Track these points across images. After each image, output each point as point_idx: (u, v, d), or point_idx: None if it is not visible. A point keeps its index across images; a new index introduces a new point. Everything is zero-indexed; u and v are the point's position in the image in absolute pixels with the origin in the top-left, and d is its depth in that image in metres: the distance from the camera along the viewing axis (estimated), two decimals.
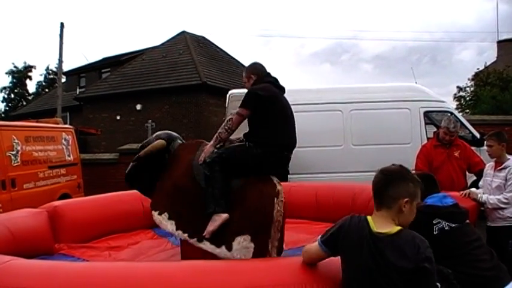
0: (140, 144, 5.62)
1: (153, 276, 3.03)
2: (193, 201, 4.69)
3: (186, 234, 4.67)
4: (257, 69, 5.13)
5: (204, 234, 4.46)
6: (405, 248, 2.65)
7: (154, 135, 5.47)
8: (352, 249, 2.78)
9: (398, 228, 2.75)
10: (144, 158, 5.10)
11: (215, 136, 4.78)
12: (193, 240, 4.59)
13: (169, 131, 5.56)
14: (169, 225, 4.80)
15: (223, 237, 4.43)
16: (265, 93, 4.71)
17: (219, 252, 4.43)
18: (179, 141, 5.38)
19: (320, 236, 3.02)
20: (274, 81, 5.09)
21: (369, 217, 2.86)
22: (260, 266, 3.42)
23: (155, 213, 4.93)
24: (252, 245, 4.36)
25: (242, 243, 4.38)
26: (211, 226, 4.42)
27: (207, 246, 4.49)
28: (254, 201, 4.46)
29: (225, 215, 4.43)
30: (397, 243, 2.69)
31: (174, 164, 5.04)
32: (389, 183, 2.84)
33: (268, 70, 5.16)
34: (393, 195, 2.80)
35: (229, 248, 4.41)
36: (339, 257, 2.96)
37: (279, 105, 4.86)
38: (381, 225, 2.78)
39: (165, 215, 4.84)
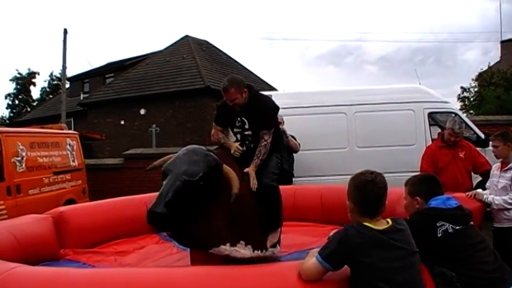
0: (164, 166, 4.28)
1: (160, 282, 3.04)
2: (250, 217, 4.66)
3: (258, 251, 4.74)
4: (244, 82, 5.11)
5: (268, 245, 4.82)
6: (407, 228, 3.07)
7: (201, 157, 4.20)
8: (370, 254, 2.83)
9: (389, 219, 3.05)
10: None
11: (258, 160, 4.87)
12: (257, 252, 4.71)
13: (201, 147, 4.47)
14: (248, 252, 4.52)
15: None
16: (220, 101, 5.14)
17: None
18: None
19: (318, 254, 2.98)
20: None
21: (365, 223, 2.97)
22: (264, 271, 3.39)
23: (226, 247, 4.32)
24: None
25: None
26: (275, 238, 4.93)
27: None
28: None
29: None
30: (400, 228, 3.02)
31: (225, 184, 4.24)
32: (385, 193, 3.11)
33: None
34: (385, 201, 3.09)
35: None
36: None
37: None
38: (379, 224, 2.99)
39: (242, 244, 4.47)
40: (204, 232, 4.13)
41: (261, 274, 3.24)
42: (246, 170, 4.74)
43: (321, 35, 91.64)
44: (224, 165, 4.24)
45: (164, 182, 3.96)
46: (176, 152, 4.36)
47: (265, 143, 4.86)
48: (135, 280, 3.10)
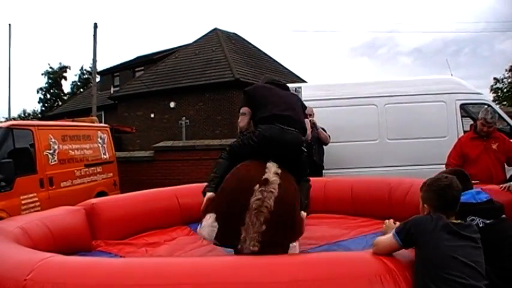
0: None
1: (192, 271, 3.05)
2: None
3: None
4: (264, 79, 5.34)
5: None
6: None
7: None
8: (442, 235, 3.06)
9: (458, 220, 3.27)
10: None
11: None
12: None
13: None
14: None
15: (205, 214, 4.52)
16: (250, 88, 4.99)
17: (198, 230, 4.55)
18: None
19: (395, 229, 3.27)
20: (272, 82, 5.21)
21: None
22: (294, 261, 3.39)
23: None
24: (216, 224, 4.31)
25: (208, 220, 4.38)
26: (202, 205, 4.60)
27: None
28: (228, 183, 4.42)
29: (209, 194, 4.55)
30: (469, 224, 3.30)
31: None
32: (460, 195, 3.35)
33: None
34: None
35: (201, 225, 4.49)
36: None
37: (261, 91, 4.95)
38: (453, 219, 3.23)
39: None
40: None
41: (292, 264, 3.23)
42: None
43: (354, 26, 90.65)
44: None
45: None
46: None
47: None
48: (167, 270, 3.12)
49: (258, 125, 4.65)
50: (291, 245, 4.34)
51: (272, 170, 4.35)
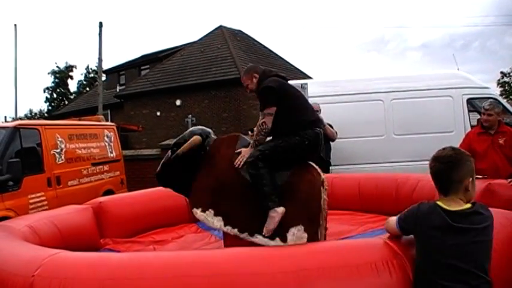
0: (173, 141, 5.51)
1: (199, 263, 3.05)
2: (240, 195, 4.69)
3: (236, 229, 4.67)
4: (258, 68, 5.18)
5: (263, 233, 4.47)
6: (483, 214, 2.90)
7: (188, 131, 5.43)
8: (433, 232, 2.86)
9: (469, 205, 2.91)
10: (182, 156, 5.04)
11: (253, 141, 4.81)
12: (244, 235, 4.61)
13: (202, 127, 5.56)
14: (216, 222, 4.77)
15: (277, 230, 4.43)
16: (277, 84, 4.79)
17: (274, 245, 4.42)
18: (213, 136, 5.36)
19: (399, 215, 3.25)
20: (280, 76, 5.12)
21: (438, 202, 2.96)
22: (300, 250, 3.40)
23: (198, 211, 4.89)
24: (305, 234, 4.38)
25: (296, 233, 4.40)
26: (271, 224, 4.41)
27: (260, 239, 4.51)
28: (305, 192, 4.50)
29: (281, 209, 4.41)
30: (475, 213, 2.88)
31: (213, 160, 5.00)
32: (451, 170, 2.96)
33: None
34: (458, 179, 2.92)
35: (284, 240, 4.42)
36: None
37: (291, 89, 4.94)
38: (453, 205, 2.90)
39: (210, 212, 4.81)
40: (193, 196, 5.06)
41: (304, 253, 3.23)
42: (239, 150, 4.88)
43: (362, 22, 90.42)
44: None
45: None
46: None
47: (258, 123, 4.78)
48: (173, 262, 3.13)
49: (300, 127, 4.67)
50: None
51: (318, 169, 4.73)
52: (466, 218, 2.84)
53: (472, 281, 2.74)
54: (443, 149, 3.11)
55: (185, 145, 5.06)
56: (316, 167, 4.73)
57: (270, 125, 4.70)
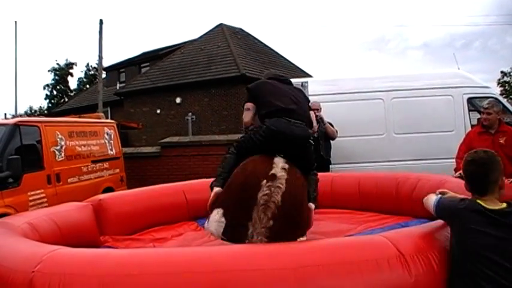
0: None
1: (199, 260, 3.06)
2: None
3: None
4: (265, 74, 5.41)
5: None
6: None
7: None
8: (475, 229, 3.00)
9: (505, 204, 3.08)
10: None
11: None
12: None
13: None
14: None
15: (212, 209, 4.63)
16: (253, 84, 5.00)
17: (205, 225, 4.74)
18: None
19: (440, 197, 3.46)
20: (276, 77, 5.19)
21: (478, 200, 3.11)
22: (301, 247, 3.39)
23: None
24: (223, 220, 4.37)
25: (215, 216, 4.47)
26: (209, 200, 4.69)
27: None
28: (236, 179, 4.46)
29: (216, 189, 4.63)
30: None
31: None
32: (487, 172, 3.13)
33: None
34: (494, 179, 3.12)
35: (208, 220, 4.61)
36: None
37: (267, 87, 4.92)
38: (491, 204, 3.07)
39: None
40: None
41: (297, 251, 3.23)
42: None
43: (363, 20, 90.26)
44: None
45: None
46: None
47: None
48: (173, 259, 3.13)
49: (264, 120, 4.64)
50: (299, 239, 4.36)
51: (279, 165, 4.36)
52: (505, 217, 3.00)
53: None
54: (475, 152, 3.29)
55: None
56: (281, 163, 4.43)
57: (246, 119, 4.90)
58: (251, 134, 4.74)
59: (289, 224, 4.23)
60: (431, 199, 3.52)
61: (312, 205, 4.71)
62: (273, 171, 4.28)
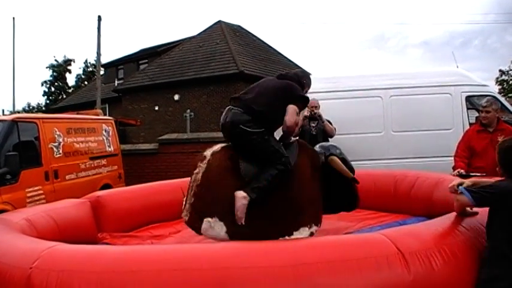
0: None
1: (197, 257, 3.05)
2: None
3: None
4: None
5: None
6: None
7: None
8: None
9: None
10: None
11: None
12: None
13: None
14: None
15: None
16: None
17: None
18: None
19: (467, 189, 3.40)
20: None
21: None
22: (299, 244, 3.39)
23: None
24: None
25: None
26: None
27: None
28: None
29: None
30: None
31: None
32: None
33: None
34: None
35: None
36: None
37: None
38: None
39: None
40: None
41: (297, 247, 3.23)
42: None
43: (363, 18, 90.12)
44: None
45: None
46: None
47: None
48: (171, 256, 3.13)
49: None
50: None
51: (213, 148, 4.71)
52: None
53: None
54: (510, 138, 3.51)
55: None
56: (218, 146, 4.76)
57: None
58: None
59: (205, 203, 4.50)
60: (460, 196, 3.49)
61: (239, 193, 4.39)
62: (205, 153, 4.66)
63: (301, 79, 5.02)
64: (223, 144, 4.74)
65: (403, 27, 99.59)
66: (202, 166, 4.53)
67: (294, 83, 4.88)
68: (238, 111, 4.57)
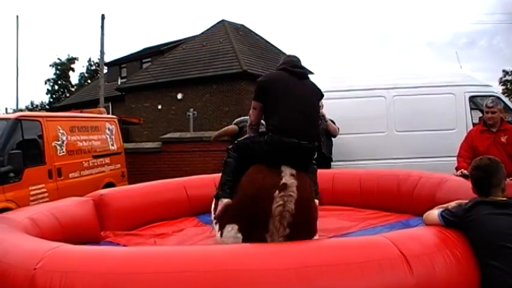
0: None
1: (201, 259, 3.05)
2: None
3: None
4: (279, 62, 4.88)
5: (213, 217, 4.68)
6: None
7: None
8: (486, 214, 3.38)
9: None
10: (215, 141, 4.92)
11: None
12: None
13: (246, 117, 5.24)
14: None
15: (222, 222, 4.51)
16: (262, 79, 4.64)
17: (216, 236, 4.64)
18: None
19: (441, 211, 3.67)
20: (291, 67, 4.65)
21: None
22: (303, 247, 3.38)
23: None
24: (240, 235, 4.28)
25: (230, 232, 4.37)
26: (217, 211, 4.57)
27: (215, 228, 4.71)
28: (247, 192, 4.32)
29: (225, 201, 4.47)
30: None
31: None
32: (491, 176, 3.57)
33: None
34: (497, 183, 3.56)
35: (221, 234, 4.49)
36: None
37: (277, 86, 4.49)
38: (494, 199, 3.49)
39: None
40: None
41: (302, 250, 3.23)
42: None
43: (367, 17, 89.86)
44: None
45: None
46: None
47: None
48: (175, 257, 3.12)
49: (269, 129, 4.41)
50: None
51: (287, 172, 4.26)
52: (507, 206, 3.39)
53: None
54: (480, 159, 3.76)
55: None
56: (288, 170, 4.29)
57: (253, 119, 4.70)
58: (255, 144, 4.52)
59: (304, 227, 4.24)
60: (433, 213, 3.78)
61: (316, 201, 4.62)
62: (283, 181, 4.20)
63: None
64: (287, 166, 4.31)
65: (408, 27, 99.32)
66: (291, 194, 4.14)
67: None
68: (311, 145, 4.49)
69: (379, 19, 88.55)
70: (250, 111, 4.68)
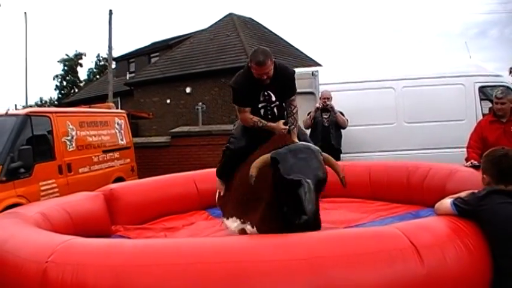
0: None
1: (211, 251, 3.06)
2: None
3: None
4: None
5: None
6: None
7: None
8: (500, 203, 3.35)
9: None
10: None
11: (294, 130, 4.85)
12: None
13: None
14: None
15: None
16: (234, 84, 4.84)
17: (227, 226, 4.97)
18: None
19: (454, 199, 3.60)
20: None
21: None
22: (314, 238, 3.37)
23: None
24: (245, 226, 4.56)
25: (234, 223, 4.75)
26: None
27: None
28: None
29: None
30: None
31: None
32: None
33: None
34: None
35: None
36: None
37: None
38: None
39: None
40: None
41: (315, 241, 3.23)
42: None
43: (376, 8, 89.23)
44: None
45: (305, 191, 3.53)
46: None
47: (296, 109, 4.81)
48: (186, 249, 3.12)
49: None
50: None
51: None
52: None
53: None
54: (496, 149, 3.76)
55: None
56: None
57: (245, 122, 4.90)
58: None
59: None
60: (445, 202, 3.69)
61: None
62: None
63: None
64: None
65: (419, 17, 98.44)
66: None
67: None
68: None
69: (389, 11, 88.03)
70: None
